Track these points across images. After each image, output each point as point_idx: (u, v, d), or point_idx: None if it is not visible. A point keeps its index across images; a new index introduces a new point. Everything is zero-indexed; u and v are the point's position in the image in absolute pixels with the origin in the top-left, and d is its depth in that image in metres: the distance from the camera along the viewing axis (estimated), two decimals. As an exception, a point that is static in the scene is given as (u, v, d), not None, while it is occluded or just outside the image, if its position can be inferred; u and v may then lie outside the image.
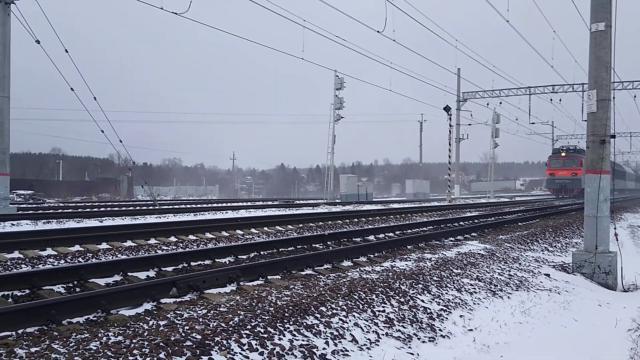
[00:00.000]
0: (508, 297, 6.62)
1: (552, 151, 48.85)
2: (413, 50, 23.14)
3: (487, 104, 39.86)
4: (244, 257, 8.32)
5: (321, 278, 6.31)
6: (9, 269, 6.68)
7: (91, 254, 8.01)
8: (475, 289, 6.61)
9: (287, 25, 40.38)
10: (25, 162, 77.52)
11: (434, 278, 6.60)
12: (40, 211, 18.38)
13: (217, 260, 7.82)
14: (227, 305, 4.71)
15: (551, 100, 39.56)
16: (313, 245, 9.81)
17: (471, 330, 5.17)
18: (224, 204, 26.49)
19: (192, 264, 7.42)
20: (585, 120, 8.82)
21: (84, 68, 17.04)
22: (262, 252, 8.72)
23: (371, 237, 11.43)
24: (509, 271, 7.98)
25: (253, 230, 11.84)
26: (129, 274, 6.51)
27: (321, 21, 20.21)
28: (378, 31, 18.33)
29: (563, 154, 45.38)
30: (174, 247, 9.05)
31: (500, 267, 8.18)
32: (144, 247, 8.95)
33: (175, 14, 15.02)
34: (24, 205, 22.85)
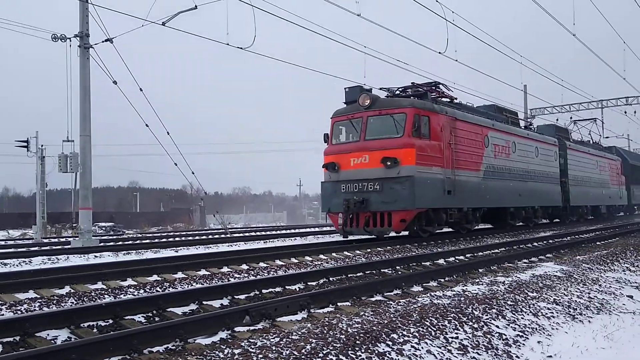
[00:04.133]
0: (589, 321, 6.35)
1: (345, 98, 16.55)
2: (476, 69, 22.83)
3: (557, 120, 38.48)
4: (314, 283, 8.39)
5: (391, 304, 6.28)
6: (94, 299, 7.05)
7: (168, 283, 8.32)
8: (552, 313, 6.39)
9: (349, 52, 40.91)
10: (105, 196, 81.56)
11: (509, 302, 6.43)
12: (120, 242, 19.26)
13: (287, 287, 7.94)
14: (299, 333, 4.78)
15: (625, 112, 37.71)
16: (382, 270, 9.78)
17: (550, 357, 5.00)
18: (293, 230, 26.78)
19: (264, 291, 7.57)
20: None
21: (157, 105, 17.90)
22: (331, 279, 8.78)
23: (441, 261, 11.26)
24: (589, 293, 7.65)
25: (321, 256, 11.92)
26: (204, 302, 6.71)
27: (382, 46, 20.35)
28: (440, 52, 18.28)
29: (367, 102, 15.43)
30: (245, 275, 9.25)
31: (578, 289, 7.85)
32: (217, 275, 9.20)
33: (241, 48, 15.58)
34: (105, 237, 24.00)
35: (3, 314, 6.13)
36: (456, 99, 18.51)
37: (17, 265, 11.38)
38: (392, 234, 15.89)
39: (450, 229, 18.83)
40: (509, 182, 20.00)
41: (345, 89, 16.52)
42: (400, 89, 17.18)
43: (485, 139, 18.46)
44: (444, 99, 17.85)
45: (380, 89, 17.02)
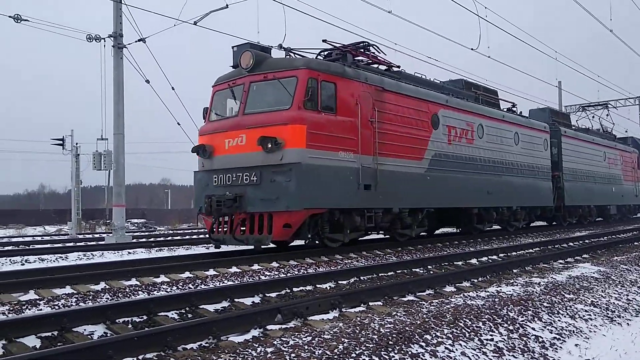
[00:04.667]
0: (627, 323, 6.20)
1: (233, 60, 12.31)
2: (510, 66, 22.51)
3: (593, 117, 37.62)
4: (344, 282, 8.37)
5: (424, 304, 6.22)
6: (128, 295, 7.15)
7: (200, 280, 8.39)
8: (590, 315, 6.25)
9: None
10: (138, 193, 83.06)
11: (545, 304, 6.30)
12: (152, 239, 19.54)
13: (318, 285, 7.93)
14: (331, 332, 4.76)
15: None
16: (413, 269, 9.70)
17: (588, 360, 4.88)
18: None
19: (294, 289, 7.57)
20: None
21: (188, 103, 18.09)
22: (361, 277, 8.74)
23: (473, 261, 11.12)
24: (627, 295, 7.47)
25: (352, 254, 11.88)
26: (236, 300, 6.75)
27: (413, 43, 20.20)
28: (472, 49, 18.07)
29: (250, 62, 11.41)
30: (276, 273, 9.28)
31: (616, 291, 7.68)
32: (248, 272, 9.24)
33: (271, 47, 15.61)
34: (137, 233, 24.39)
35: (41, 309, 6.27)
36: (398, 67, 14.34)
37: (54, 261, 11.65)
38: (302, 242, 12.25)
39: (383, 235, 14.98)
40: (472, 175, 15.67)
41: (233, 48, 12.36)
42: (321, 52, 13.25)
43: (433, 118, 14.34)
44: (381, 66, 14.00)
45: (280, 47, 12.52)
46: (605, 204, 26.36)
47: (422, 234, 15.66)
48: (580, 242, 15.72)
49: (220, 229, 11.49)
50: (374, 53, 13.78)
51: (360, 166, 11.84)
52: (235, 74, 12.04)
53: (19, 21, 16.77)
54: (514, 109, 19.63)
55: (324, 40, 13.01)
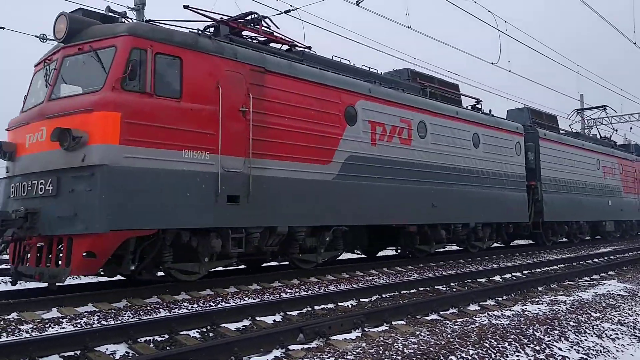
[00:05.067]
0: (657, 343, 6.04)
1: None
2: (531, 80, 22.36)
3: (616, 130, 37.02)
4: (366, 300, 8.29)
5: (448, 324, 6.13)
6: (149, 313, 7.16)
7: (220, 298, 8.37)
8: (617, 334, 6.13)
9: (398, 64, 40.77)
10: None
11: (571, 323, 6.18)
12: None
13: (339, 303, 7.87)
14: (354, 352, 4.71)
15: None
16: (435, 287, 9.59)
17: (618, 382, 4.76)
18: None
19: (316, 307, 7.52)
20: None
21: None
22: (383, 295, 8.66)
23: (497, 278, 10.96)
24: (656, 314, 7.29)
25: (372, 271, 11.80)
26: (257, 318, 6.72)
27: (432, 57, 20.19)
28: (492, 63, 18.02)
29: (63, 31, 8.40)
30: (297, 290, 9.23)
31: (644, 309, 7.51)
32: (269, 290, 9.21)
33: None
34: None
35: (64, 327, 6.30)
36: (308, 47, 11.78)
37: (76, 278, 11.71)
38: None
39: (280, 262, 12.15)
40: (408, 184, 12.55)
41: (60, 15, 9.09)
42: (207, 28, 10.22)
43: (348, 111, 11.29)
44: (283, 47, 11.46)
45: (108, 10, 9.40)
46: (599, 220, 22.59)
47: (353, 256, 13.98)
48: (606, 257, 15.45)
49: (16, 260, 8.34)
50: (265, 28, 11.04)
51: (221, 171, 8.94)
52: (53, 49, 9.18)
53: (44, 41, 17.10)
54: (478, 105, 16.67)
55: (185, 7, 10.02)
